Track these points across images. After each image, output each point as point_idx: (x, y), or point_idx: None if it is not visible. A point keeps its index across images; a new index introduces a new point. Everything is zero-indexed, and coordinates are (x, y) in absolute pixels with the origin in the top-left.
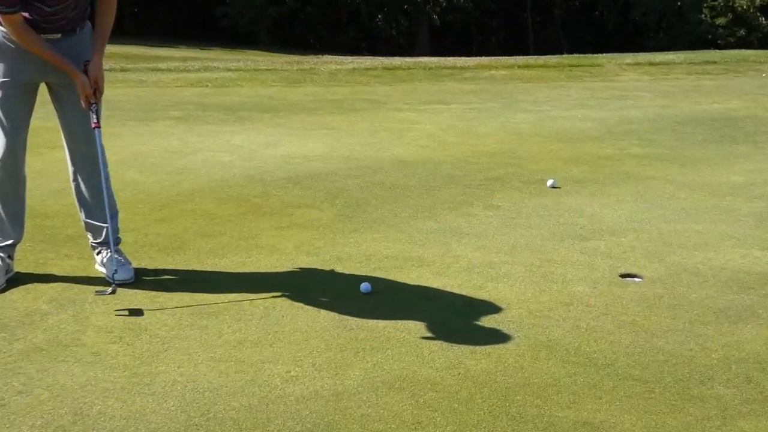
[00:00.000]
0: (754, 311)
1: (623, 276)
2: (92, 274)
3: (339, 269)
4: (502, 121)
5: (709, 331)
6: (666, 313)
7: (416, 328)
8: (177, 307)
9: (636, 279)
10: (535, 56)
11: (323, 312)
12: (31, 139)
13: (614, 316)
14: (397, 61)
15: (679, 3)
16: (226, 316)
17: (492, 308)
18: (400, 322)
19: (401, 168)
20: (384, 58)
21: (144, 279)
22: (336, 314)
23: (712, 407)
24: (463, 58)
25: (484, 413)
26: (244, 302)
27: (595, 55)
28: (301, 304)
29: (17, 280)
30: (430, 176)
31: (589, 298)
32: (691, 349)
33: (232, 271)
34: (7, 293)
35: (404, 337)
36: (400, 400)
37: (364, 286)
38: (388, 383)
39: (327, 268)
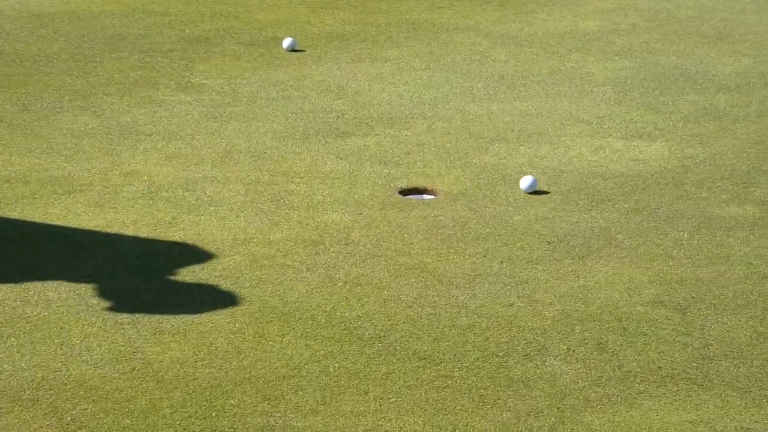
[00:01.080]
0: (610, 237)
1: (405, 192)
2: None
3: None
4: None
5: (540, 275)
6: (471, 249)
7: (56, 300)
8: None
9: (426, 197)
10: None
11: None
12: None
13: (390, 259)
14: None
15: None
16: None
17: (189, 257)
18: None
19: (32, 24)
20: None
21: None
22: None
23: (542, 395)
24: None
25: (142, 416)
26: None
27: None
28: None
29: None
30: (84, 38)
31: (350, 232)
32: (500, 307)
33: None
34: None
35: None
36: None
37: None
38: None
39: None
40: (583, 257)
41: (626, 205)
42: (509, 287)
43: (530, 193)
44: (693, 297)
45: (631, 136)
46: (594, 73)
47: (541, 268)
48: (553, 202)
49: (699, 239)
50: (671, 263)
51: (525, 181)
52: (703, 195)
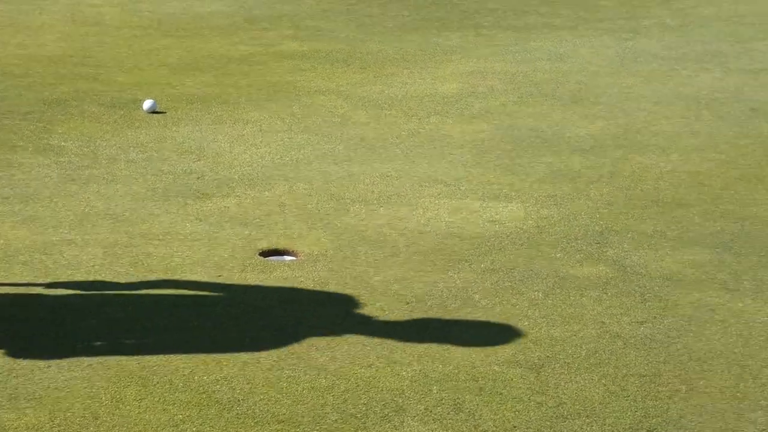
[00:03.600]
0: (467, 297)
1: (265, 254)
2: None
3: None
4: (69, 5)
5: (398, 335)
6: (330, 311)
7: None
8: None
9: (286, 258)
10: None
11: None
12: None
13: (250, 321)
14: None
15: None
16: None
17: (45, 320)
18: None
19: None
20: None
21: None
22: None
23: None
24: None
25: None
26: None
27: None
28: None
29: None
30: None
31: (207, 294)
32: (359, 368)
33: None
34: None
35: None
36: None
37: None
38: None
39: None
40: (440, 317)
41: (483, 266)
42: (368, 348)
43: (390, 255)
44: (547, 356)
45: (488, 197)
46: (452, 135)
47: (399, 328)
48: (411, 262)
49: (553, 299)
50: (526, 323)
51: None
52: (558, 255)
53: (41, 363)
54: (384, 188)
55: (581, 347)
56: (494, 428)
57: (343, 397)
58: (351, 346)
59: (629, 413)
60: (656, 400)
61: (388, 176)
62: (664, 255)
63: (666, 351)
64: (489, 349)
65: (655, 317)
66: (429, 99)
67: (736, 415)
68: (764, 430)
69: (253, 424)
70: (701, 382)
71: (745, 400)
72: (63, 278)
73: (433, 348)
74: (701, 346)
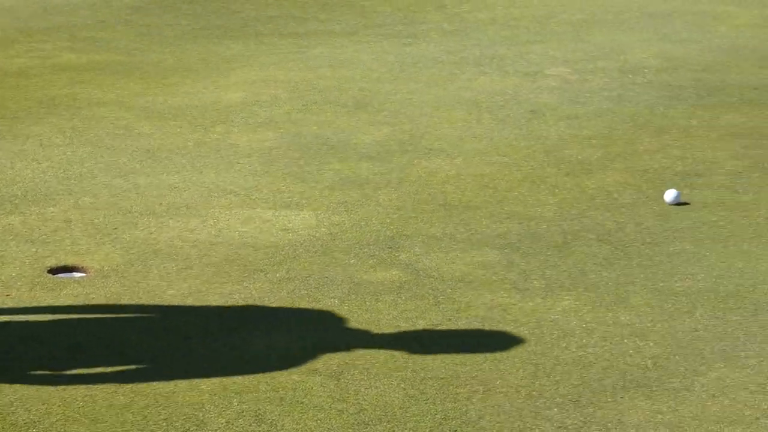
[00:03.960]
0: (264, 307)
1: (54, 271)
2: None
3: None
4: None
5: (196, 348)
6: (125, 326)
7: None
8: None
9: (76, 274)
10: None
11: None
12: None
13: (42, 340)
14: None
15: None
16: None
17: None
18: None
19: None
20: None
21: None
22: None
23: None
24: None
25: None
26: None
27: None
28: None
29: None
30: None
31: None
32: (157, 384)
33: None
34: None
35: None
36: None
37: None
38: None
39: None
40: (237, 329)
41: (278, 275)
42: (166, 363)
43: (184, 268)
44: (346, 363)
45: (279, 206)
46: (239, 144)
47: (196, 341)
48: (206, 274)
49: (349, 305)
50: (324, 330)
51: (670, 194)
52: (352, 261)
53: None
54: (172, 200)
55: (379, 352)
56: None
57: (143, 413)
58: (148, 361)
59: (429, 416)
60: (455, 402)
61: (176, 188)
62: (454, 257)
63: (462, 353)
64: (288, 359)
65: (449, 319)
66: (213, 108)
67: (533, 413)
68: (560, 426)
69: None
70: (498, 382)
71: (540, 398)
72: None
73: (232, 360)
74: (496, 346)
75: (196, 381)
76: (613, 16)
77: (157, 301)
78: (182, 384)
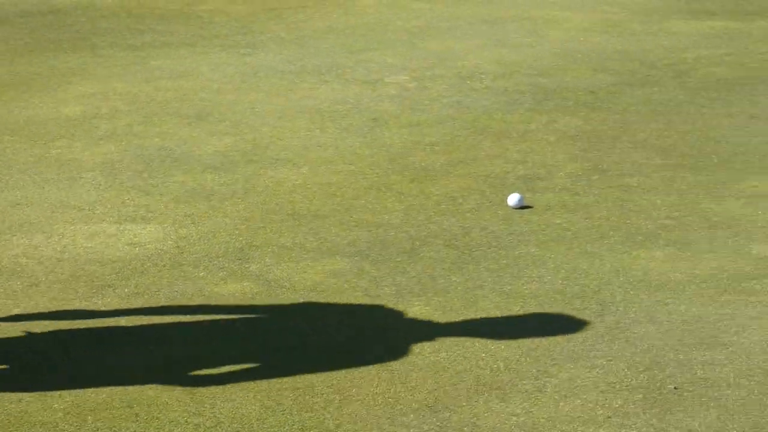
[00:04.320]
0: (114, 322)
1: None
2: None
3: None
4: None
5: (45, 364)
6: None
7: None
8: None
9: None
10: None
11: None
12: None
13: None
14: None
15: None
16: None
17: None
18: None
19: None
20: None
21: None
22: None
23: None
24: None
25: None
26: None
27: None
28: None
29: None
30: None
31: None
32: (8, 404)
33: None
34: None
35: None
36: None
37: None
38: None
39: None
40: (89, 345)
41: (127, 290)
42: (17, 382)
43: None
44: (200, 375)
45: (124, 219)
46: (81, 158)
47: (47, 359)
48: (53, 291)
49: (200, 318)
50: (176, 343)
51: (513, 198)
52: (201, 274)
53: None
54: (15, 217)
55: (234, 365)
56: None
57: None
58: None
59: (286, 427)
60: (312, 412)
61: (18, 204)
62: (305, 267)
63: (317, 362)
64: (142, 374)
65: (303, 329)
66: (53, 123)
67: (390, 420)
68: None
69: None
70: (354, 390)
71: (397, 404)
72: None
73: (85, 377)
74: (350, 354)
75: (49, 400)
76: (447, 23)
77: (3, 320)
78: (34, 403)
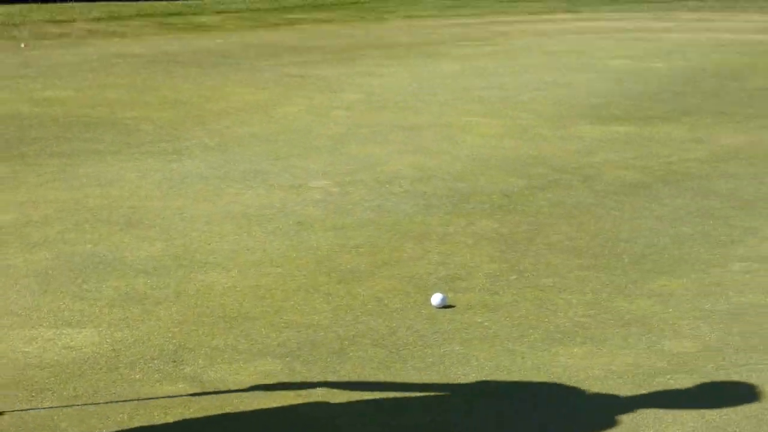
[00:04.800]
0: (53, 426)
1: None
2: None
3: None
4: None
5: None
6: None
7: None
8: None
9: None
10: None
11: None
12: None
13: None
14: None
15: None
16: None
17: None
18: None
19: None
20: None
21: None
22: None
23: None
24: None
25: None
26: None
27: None
28: None
29: None
30: None
31: None
32: None
33: None
34: None
35: None
36: None
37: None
38: None
39: None
40: None
41: (66, 393)
42: None
43: None
44: None
45: (61, 324)
46: (16, 265)
47: None
48: None
49: (139, 420)
50: None
51: (436, 298)
52: (137, 377)
53: None
54: None
55: None
56: None
57: None
58: None
59: None
60: None
61: None
62: (238, 368)
63: None
64: None
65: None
66: None
67: None
68: None
69: None
70: None
71: None
72: None
73: None
74: None
75: None
76: (367, 130)
77: None
78: None
